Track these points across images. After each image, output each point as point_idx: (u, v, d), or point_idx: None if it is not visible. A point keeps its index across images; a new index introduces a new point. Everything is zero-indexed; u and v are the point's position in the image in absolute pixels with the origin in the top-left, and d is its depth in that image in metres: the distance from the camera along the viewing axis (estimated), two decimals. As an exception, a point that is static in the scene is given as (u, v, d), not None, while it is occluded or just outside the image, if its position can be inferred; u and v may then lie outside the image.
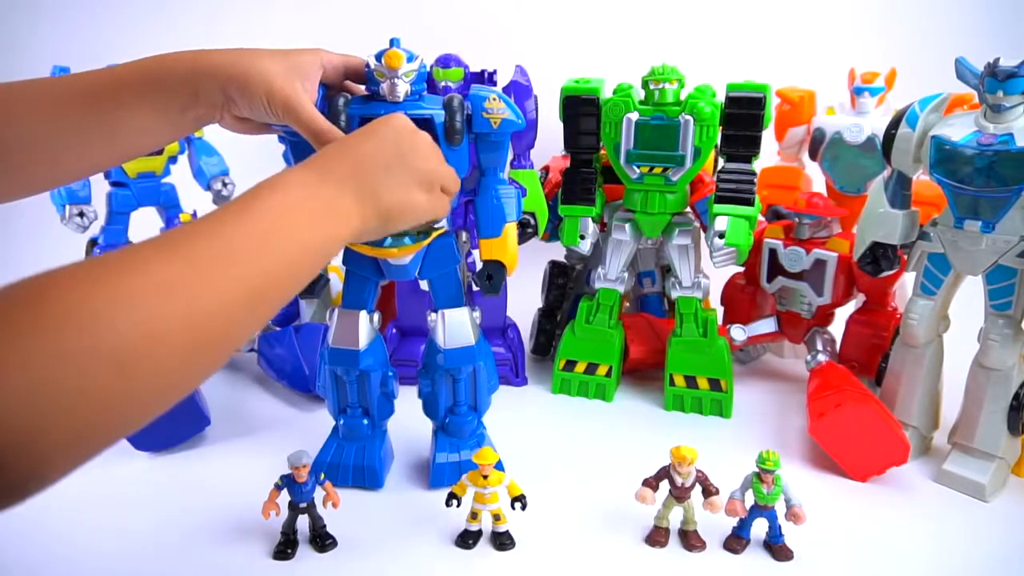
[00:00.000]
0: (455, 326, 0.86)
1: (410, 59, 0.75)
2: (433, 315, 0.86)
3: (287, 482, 0.76)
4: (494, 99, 0.78)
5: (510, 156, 1.10)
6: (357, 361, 0.84)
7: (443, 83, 1.06)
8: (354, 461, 0.88)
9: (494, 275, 0.85)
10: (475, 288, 1.16)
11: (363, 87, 0.78)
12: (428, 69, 0.77)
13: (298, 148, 0.82)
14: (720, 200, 0.99)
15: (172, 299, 0.43)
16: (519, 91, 1.07)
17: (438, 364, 0.86)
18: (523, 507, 0.78)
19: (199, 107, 0.66)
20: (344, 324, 0.85)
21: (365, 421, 0.89)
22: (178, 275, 0.44)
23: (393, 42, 0.76)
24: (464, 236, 1.16)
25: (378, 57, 0.75)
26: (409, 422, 0.90)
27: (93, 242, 1.20)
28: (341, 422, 0.89)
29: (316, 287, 1.25)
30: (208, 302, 0.45)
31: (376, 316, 0.86)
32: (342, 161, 0.61)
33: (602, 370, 1.11)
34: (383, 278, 0.85)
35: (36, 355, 0.36)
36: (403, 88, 0.74)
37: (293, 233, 0.53)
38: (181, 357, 0.43)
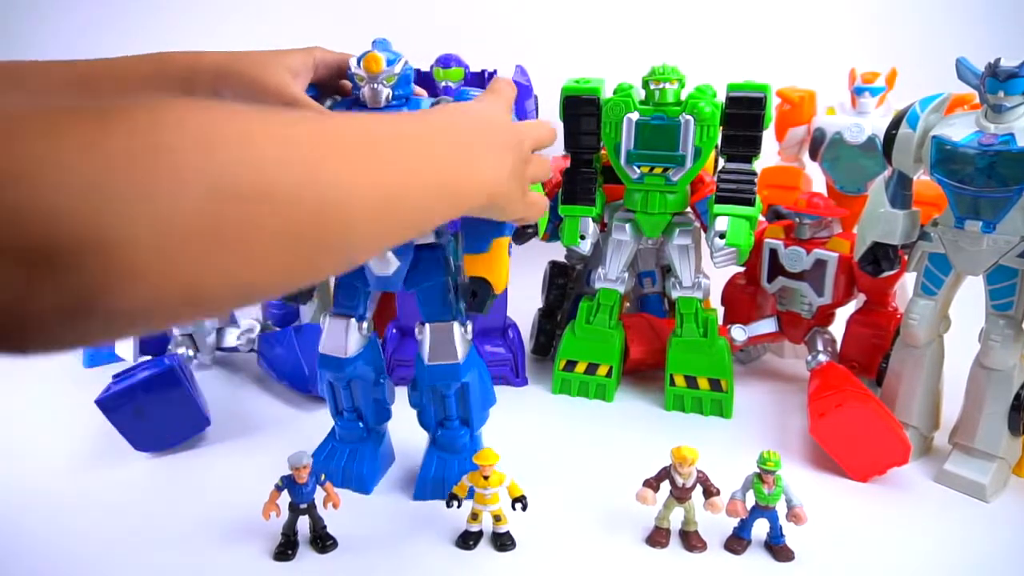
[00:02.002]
0: (439, 341, 0.82)
1: (390, 63, 0.72)
2: (420, 327, 0.84)
3: (287, 483, 0.76)
4: None
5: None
6: (343, 368, 0.83)
7: (443, 83, 1.06)
8: (345, 464, 0.88)
9: (479, 292, 0.79)
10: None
11: None
12: (413, 70, 0.74)
13: None
14: (720, 200, 0.98)
15: (295, 156, 0.39)
16: (519, 91, 1.07)
17: (424, 378, 0.84)
18: (523, 508, 0.78)
19: None
20: (333, 330, 0.83)
21: (360, 424, 0.88)
22: (306, 134, 0.41)
23: (376, 44, 0.73)
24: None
25: (358, 61, 0.72)
26: (413, 423, 0.90)
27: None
28: (337, 424, 0.90)
29: (302, 295, 1.24)
30: (333, 177, 0.41)
31: (366, 324, 0.84)
32: (507, 135, 0.61)
33: (602, 370, 1.11)
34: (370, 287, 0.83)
35: (138, 158, 0.32)
36: (384, 93, 0.72)
37: (454, 160, 0.52)
38: (291, 223, 0.38)
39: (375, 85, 0.71)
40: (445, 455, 0.87)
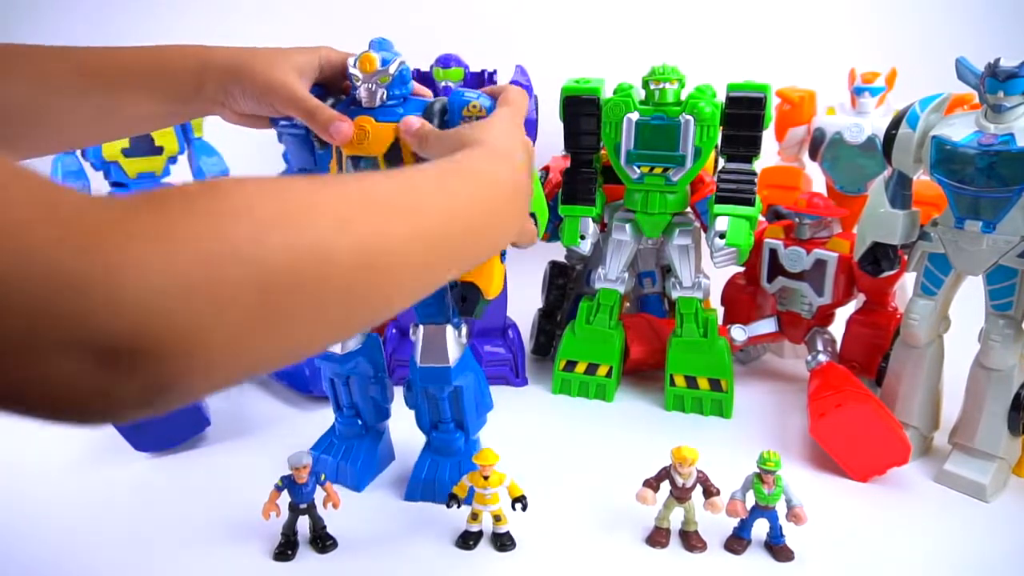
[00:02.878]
0: (431, 344, 0.81)
1: (385, 63, 0.71)
2: (415, 329, 0.83)
3: (287, 483, 0.76)
4: (474, 106, 0.71)
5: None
6: (342, 363, 0.83)
7: (443, 83, 1.06)
8: (339, 459, 0.89)
9: (468, 297, 0.78)
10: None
11: None
12: (411, 69, 0.74)
13: (300, 142, 0.81)
14: (720, 200, 0.98)
15: (347, 225, 0.41)
16: (519, 91, 1.07)
17: (416, 380, 0.83)
18: (524, 508, 0.78)
19: (201, 101, 0.68)
20: None
21: (359, 422, 0.89)
22: (352, 203, 0.42)
23: (373, 44, 0.73)
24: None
25: (355, 61, 0.72)
26: (415, 422, 0.90)
27: (93, 242, 1.20)
28: (337, 420, 0.90)
29: None
30: (382, 236, 0.43)
31: None
32: (523, 171, 0.62)
33: (602, 370, 1.11)
34: None
35: (205, 247, 0.33)
36: (379, 93, 0.72)
37: (458, 197, 0.52)
38: (349, 286, 0.41)
39: (370, 85, 0.71)
40: (438, 458, 0.87)
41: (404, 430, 0.92)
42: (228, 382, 0.37)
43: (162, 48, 0.67)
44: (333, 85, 0.76)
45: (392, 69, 0.71)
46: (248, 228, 0.36)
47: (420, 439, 0.89)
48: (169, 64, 0.66)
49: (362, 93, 0.72)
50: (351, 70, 0.72)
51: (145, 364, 0.32)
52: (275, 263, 0.36)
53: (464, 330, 0.83)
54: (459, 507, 0.78)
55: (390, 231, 0.44)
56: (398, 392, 0.89)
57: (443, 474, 0.85)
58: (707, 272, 1.08)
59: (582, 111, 1.02)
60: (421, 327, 0.82)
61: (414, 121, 0.68)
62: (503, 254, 0.76)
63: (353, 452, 0.89)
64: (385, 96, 0.72)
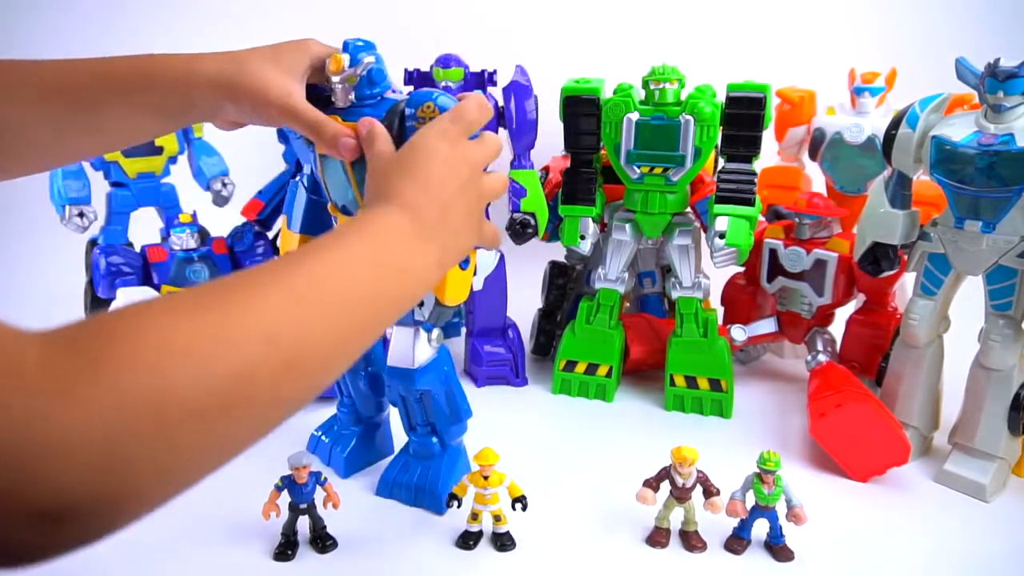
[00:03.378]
0: (399, 344, 0.81)
1: (354, 63, 0.69)
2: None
3: (287, 483, 0.76)
4: (428, 106, 0.68)
5: (510, 156, 1.10)
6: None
7: (443, 83, 1.06)
8: (332, 444, 0.91)
9: (424, 302, 0.78)
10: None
11: None
12: (380, 70, 0.71)
13: (301, 143, 0.80)
14: (720, 200, 0.98)
15: (274, 339, 0.41)
16: (519, 91, 1.07)
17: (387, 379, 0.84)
18: (524, 508, 0.78)
19: (193, 113, 0.66)
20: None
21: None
22: (280, 311, 0.42)
23: (346, 44, 0.71)
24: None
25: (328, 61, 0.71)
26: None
27: (93, 242, 1.20)
28: (338, 407, 0.92)
29: None
30: (294, 343, 0.42)
31: (436, 333, 0.83)
32: (431, 204, 0.57)
33: (602, 370, 1.11)
34: None
35: (129, 396, 0.34)
36: (347, 93, 0.70)
37: (379, 285, 0.51)
38: (277, 396, 0.42)
39: (336, 85, 0.70)
40: (412, 460, 0.87)
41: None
42: (165, 502, 0.39)
43: (141, 60, 0.63)
44: (323, 82, 0.74)
45: (360, 70, 0.70)
46: (175, 368, 0.36)
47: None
48: (155, 75, 0.63)
49: (337, 93, 0.70)
50: (326, 71, 0.70)
51: (81, 519, 0.33)
52: (204, 397, 0.36)
53: (435, 334, 0.82)
54: (459, 506, 0.79)
55: (316, 333, 0.44)
56: None
57: (411, 477, 0.85)
58: (707, 272, 1.08)
59: (582, 111, 1.02)
60: (395, 327, 0.82)
61: (366, 123, 0.65)
62: (464, 262, 0.75)
63: (345, 439, 0.90)
64: (353, 97, 0.71)
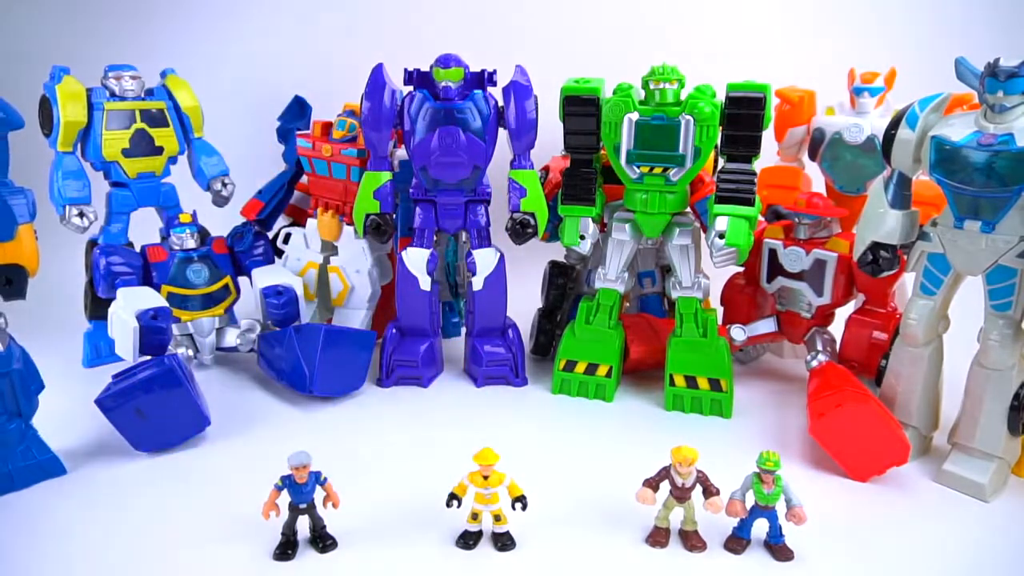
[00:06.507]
0: None
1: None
2: None
3: (287, 483, 0.76)
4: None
5: (510, 156, 1.10)
6: None
7: (443, 83, 1.06)
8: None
9: (14, 280, 0.81)
10: (460, 288, 1.16)
11: None
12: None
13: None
14: (720, 200, 0.99)
15: None
16: (519, 91, 1.07)
17: None
18: (524, 508, 0.78)
19: None
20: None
21: None
22: None
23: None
24: (464, 236, 1.16)
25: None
26: (401, 416, 0.90)
27: (93, 242, 1.20)
28: None
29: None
30: None
31: None
32: None
33: (602, 370, 1.11)
34: None
35: None
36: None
37: None
38: None
39: None
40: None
41: (396, 426, 0.92)
42: None
43: None
44: None
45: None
46: None
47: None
48: None
49: None
50: None
51: None
52: None
53: None
54: (459, 506, 0.79)
55: None
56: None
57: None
58: (707, 272, 1.08)
59: (582, 111, 1.02)
60: None
61: None
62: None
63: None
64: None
